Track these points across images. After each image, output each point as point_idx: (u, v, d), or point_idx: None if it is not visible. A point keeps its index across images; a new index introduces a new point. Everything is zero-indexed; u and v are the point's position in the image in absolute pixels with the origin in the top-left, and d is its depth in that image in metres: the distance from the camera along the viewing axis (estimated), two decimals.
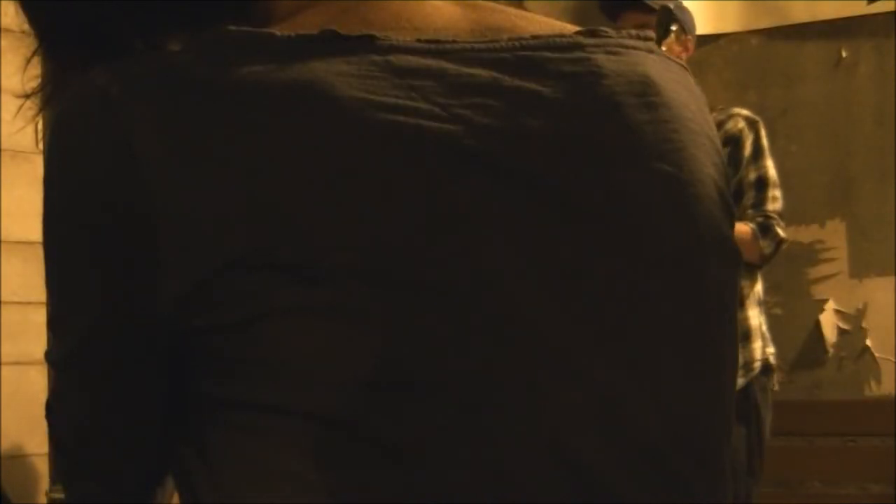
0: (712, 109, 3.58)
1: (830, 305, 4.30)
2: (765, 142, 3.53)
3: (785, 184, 3.65)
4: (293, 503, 0.67)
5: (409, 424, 0.65)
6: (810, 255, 4.32)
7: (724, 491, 0.77)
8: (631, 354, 0.71)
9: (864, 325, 4.26)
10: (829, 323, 4.30)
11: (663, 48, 3.44)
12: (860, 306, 4.26)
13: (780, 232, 3.45)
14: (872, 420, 4.08)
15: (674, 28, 3.39)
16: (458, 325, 0.66)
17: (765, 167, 3.50)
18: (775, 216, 3.45)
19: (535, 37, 0.74)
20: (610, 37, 0.78)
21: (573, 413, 0.67)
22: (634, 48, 0.78)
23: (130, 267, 0.69)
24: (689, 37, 3.60)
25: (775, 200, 3.47)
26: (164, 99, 0.68)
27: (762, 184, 3.48)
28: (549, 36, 0.74)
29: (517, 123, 0.70)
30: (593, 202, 0.71)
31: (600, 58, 0.74)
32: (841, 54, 4.36)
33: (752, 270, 3.50)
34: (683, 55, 3.58)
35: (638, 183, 0.73)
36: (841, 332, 4.29)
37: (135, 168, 0.67)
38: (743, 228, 3.37)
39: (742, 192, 3.45)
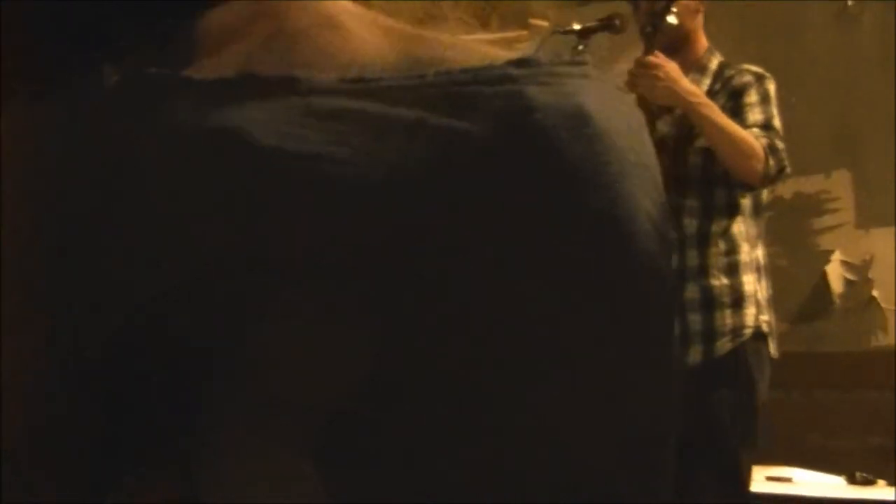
0: (725, 66, 3.59)
1: (837, 256, 4.27)
2: (772, 95, 3.52)
3: (788, 136, 3.62)
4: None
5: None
6: (815, 205, 4.29)
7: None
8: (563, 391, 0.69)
9: (870, 275, 4.22)
10: (835, 274, 4.27)
11: (674, 11, 3.41)
12: (866, 257, 4.23)
13: (785, 160, 3.42)
14: (874, 372, 4.05)
15: None
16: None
17: (770, 113, 3.48)
18: (781, 146, 3.43)
19: (463, 70, 0.70)
20: (542, 65, 0.74)
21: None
22: (568, 76, 0.74)
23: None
24: None
25: (781, 141, 3.45)
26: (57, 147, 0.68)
27: (768, 126, 3.46)
28: (479, 69, 0.70)
29: (440, 165, 0.68)
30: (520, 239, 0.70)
31: (531, 90, 0.70)
32: (846, 3, 4.31)
33: (752, 228, 3.50)
34: (701, 7, 3.56)
35: (569, 218, 0.70)
36: (847, 282, 4.25)
37: None
38: (753, 142, 3.36)
39: (746, 128, 3.43)
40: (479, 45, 0.76)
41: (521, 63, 0.71)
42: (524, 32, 4.71)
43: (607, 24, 3.71)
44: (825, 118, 4.30)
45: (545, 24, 4.69)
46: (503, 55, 0.73)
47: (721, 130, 3.38)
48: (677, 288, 0.85)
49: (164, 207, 0.69)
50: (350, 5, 0.79)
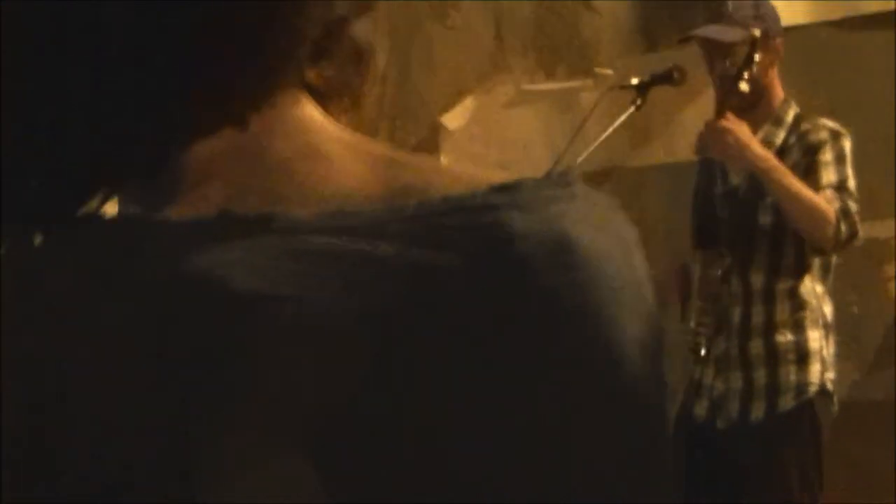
0: (802, 120, 3.57)
1: None
2: (848, 153, 3.48)
3: (860, 177, 3.58)
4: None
5: None
6: (887, 251, 4.23)
7: None
8: None
9: None
10: None
11: (745, 77, 3.38)
12: None
13: (858, 224, 3.39)
14: None
15: (757, 58, 3.35)
16: None
17: (845, 174, 3.45)
18: (854, 209, 3.40)
19: (445, 200, 0.70)
20: (525, 190, 0.71)
21: None
22: (554, 199, 0.73)
23: None
24: (779, 40, 3.56)
25: (854, 203, 3.42)
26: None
27: (842, 187, 3.43)
28: (460, 197, 0.70)
29: (421, 303, 0.68)
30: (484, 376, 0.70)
31: (513, 218, 0.70)
32: None
33: (820, 285, 3.47)
34: (776, 60, 3.54)
35: (551, 352, 0.69)
36: None
37: None
38: (826, 207, 3.32)
39: (819, 189, 3.40)
40: (464, 169, 0.76)
41: (504, 189, 0.71)
42: (589, 82, 4.71)
43: (666, 77, 3.68)
44: (893, 163, 4.24)
45: (610, 73, 4.68)
46: (489, 179, 0.73)
47: (793, 196, 3.34)
48: (668, 411, 0.84)
49: (137, 354, 0.69)
50: (335, 130, 0.78)
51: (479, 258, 0.69)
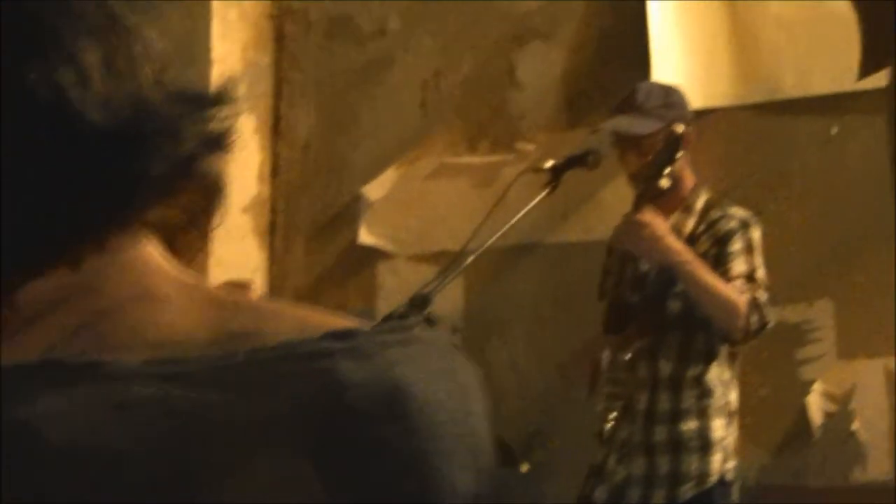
0: (711, 207, 3.59)
1: (818, 387, 4.24)
2: (757, 243, 3.51)
3: (773, 261, 3.61)
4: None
5: None
6: (797, 335, 4.27)
7: None
8: None
9: (851, 407, 4.19)
10: (816, 405, 4.23)
11: (666, 174, 3.38)
12: (848, 388, 4.20)
13: (768, 315, 3.42)
14: None
15: (679, 156, 3.37)
16: None
17: (754, 264, 3.48)
18: (764, 299, 3.43)
19: (276, 347, 0.69)
20: (361, 336, 0.72)
21: None
22: (391, 344, 0.73)
23: None
24: (690, 127, 3.59)
25: (764, 292, 3.45)
26: None
27: (752, 277, 3.45)
28: (293, 344, 0.69)
29: (248, 454, 0.67)
30: None
31: (346, 366, 0.69)
32: (832, 130, 4.32)
33: (726, 372, 3.49)
34: (687, 147, 3.56)
35: (373, 501, 0.69)
36: (827, 414, 4.22)
37: None
38: (736, 299, 3.35)
39: (730, 279, 3.42)
40: (303, 312, 0.75)
41: (339, 335, 0.70)
42: (511, 157, 4.73)
43: (581, 161, 3.70)
44: (809, 246, 4.29)
45: (532, 148, 4.71)
46: (325, 324, 0.72)
47: (704, 288, 3.37)
48: None
49: None
50: (173, 272, 0.77)
51: (311, 408, 0.67)
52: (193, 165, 0.75)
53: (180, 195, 0.76)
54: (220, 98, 0.76)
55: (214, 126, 0.75)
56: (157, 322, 0.72)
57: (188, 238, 0.80)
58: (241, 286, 3.72)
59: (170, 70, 0.75)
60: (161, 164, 0.73)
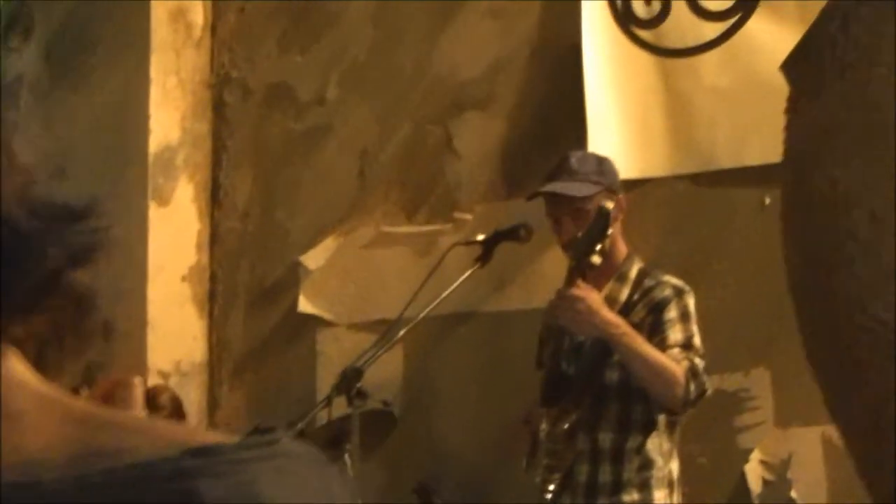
0: (645, 276, 3.61)
1: (756, 455, 4.25)
2: (692, 310, 3.53)
3: (709, 330, 3.63)
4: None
5: None
6: (735, 403, 4.28)
7: None
8: None
9: (789, 475, 4.20)
10: (754, 473, 4.24)
11: (598, 250, 3.36)
12: (785, 456, 4.21)
13: (706, 383, 3.43)
14: None
15: (610, 232, 3.34)
16: None
17: (691, 331, 3.49)
18: (701, 367, 3.44)
19: (132, 466, 0.68)
20: (221, 454, 0.72)
21: None
22: (253, 460, 0.73)
23: None
24: (621, 195, 3.61)
25: (701, 359, 3.46)
26: None
27: (688, 345, 3.47)
28: (150, 463, 0.69)
29: None
30: None
31: (204, 485, 0.69)
32: (765, 200, 4.37)
33: (667, 442, 3.49)
34: (619, 216, 3.56)
35: None
36: (766, 482, 4.23)
37: None
38: (674, 369, 3.35)
39: (666, 348, 3.43)
40: (167, 428, 0.74)
41: (199, 453, 0.70)
42: (448, 226, 4.75)
43: (512, 234, 3.70)
44: (745, 314, 4.32)
45: (469, 217, 4.73)
46: (187, 441, 0.71)
47: (642, 360, 3.37)
48: None
49: None
50: (34, 386, 0.75)
51: None
52: (58, 280, 0.74)
53: (46, 309, 0.75)
54: (88, 211, 0.75)
55: (81, 239, 0.74)
56: (13, 438, 0.71)
57: (56, 351, 0.78)
58: (123, 385, 3.67)
59: (35, 183, 0.74)
60: (24, 280, 0.72)
